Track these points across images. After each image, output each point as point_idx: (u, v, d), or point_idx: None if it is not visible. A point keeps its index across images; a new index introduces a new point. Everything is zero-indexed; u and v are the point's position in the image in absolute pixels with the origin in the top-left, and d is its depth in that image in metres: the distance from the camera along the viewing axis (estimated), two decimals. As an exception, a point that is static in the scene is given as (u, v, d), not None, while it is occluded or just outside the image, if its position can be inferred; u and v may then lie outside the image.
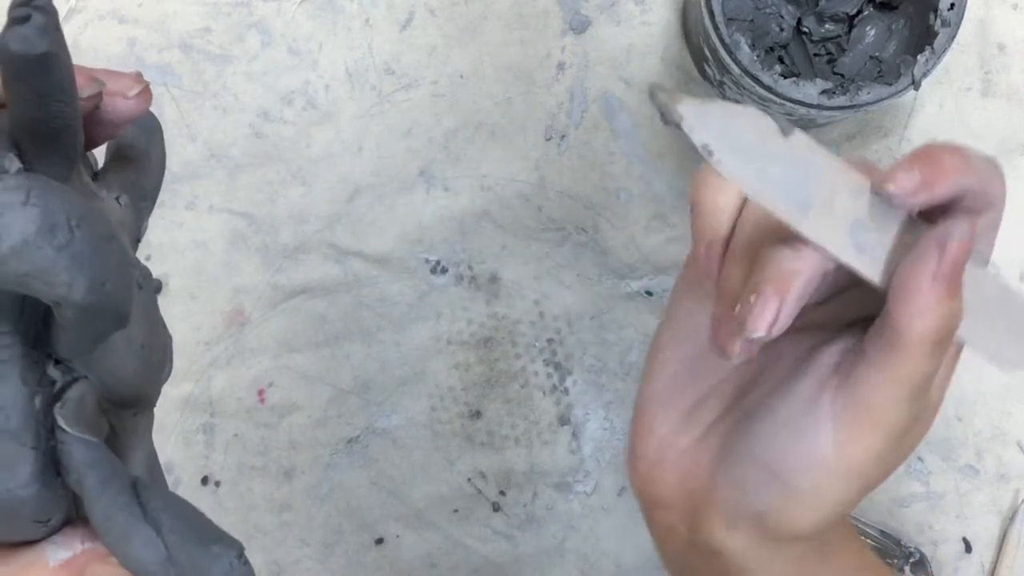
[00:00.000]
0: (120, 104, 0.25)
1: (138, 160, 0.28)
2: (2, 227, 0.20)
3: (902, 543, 0.54)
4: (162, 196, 0.59)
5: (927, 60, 0.49)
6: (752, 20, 0.53)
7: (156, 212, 0.58)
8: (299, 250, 0.57)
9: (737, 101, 0.55)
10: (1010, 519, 0.56)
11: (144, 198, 0.28)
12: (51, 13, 0.21)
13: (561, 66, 0.57)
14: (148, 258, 0.56)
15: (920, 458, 0.56)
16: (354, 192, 0.57)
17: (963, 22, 0.49)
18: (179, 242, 0.56)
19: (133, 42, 0.57)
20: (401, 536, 0.56)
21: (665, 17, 0.57)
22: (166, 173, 0.59)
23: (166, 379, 0.28)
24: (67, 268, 0.20)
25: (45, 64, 0.21)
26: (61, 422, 0.23)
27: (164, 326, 0.28)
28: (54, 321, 0.22)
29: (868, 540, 0.54)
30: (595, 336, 0.56)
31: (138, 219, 0.28)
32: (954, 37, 0.49)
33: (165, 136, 0.60)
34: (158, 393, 0.28)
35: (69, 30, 0.57)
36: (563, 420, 0.56)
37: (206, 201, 0.57)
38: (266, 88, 0.57)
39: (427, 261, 0.56)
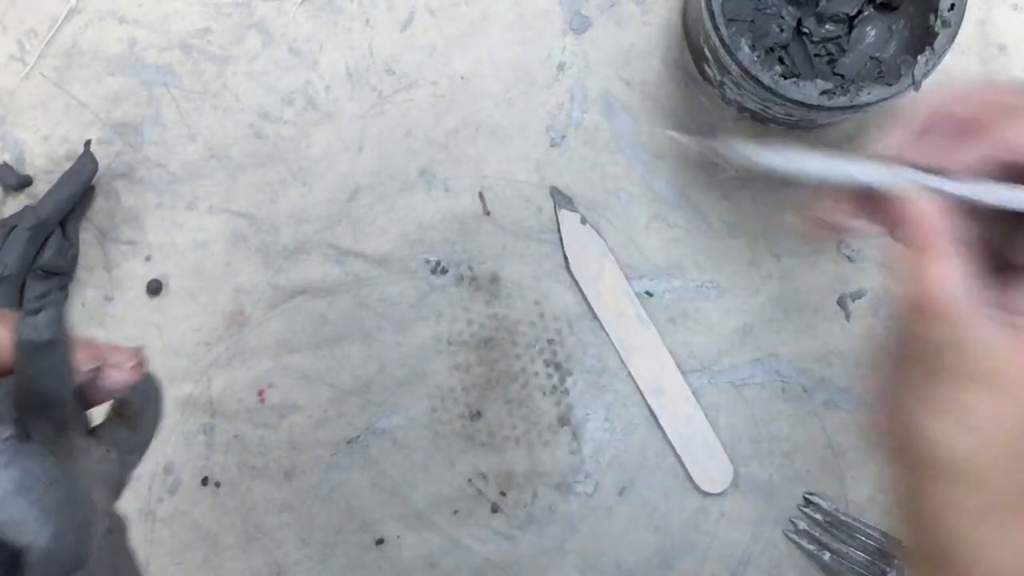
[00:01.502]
0: (115, 375, 0.30)
1: (132, 419, 0.32)
2: None
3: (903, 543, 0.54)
4: (162, 196, 0.59)
5: (927, 61, 0.49)
6: (752, 21, 0.53)
7: (156, 212, 0.59)
8: (299, 250, 0.57)
9: (738, 102, 0.55)
10: (1010, 519, 0.56)
11: (132, 452, 0.32)
12: (59, 310, 0.27)
13: (561, 66, 0.57)
14: (148, 258, 0.56)
15: (920, 458, 0.56)
16: (354, 192, 0.57)
17: (963, 22, 0.49)
18: (179, 242, 0.56)
19: (133, 42, 0.57)
20: (401, 536, 0.56)
21: (665, 17, 0.57)
22: (167, 174, 0.59)
23: None
24: (36, 519, 0.26)
25: (46, 351, 0.27)
26: None
27: (132, 566, 0.32)
28: (23, 562, 0.27)
29: (869, 541, 0.54)
30: (595, 336, 0.56)
31: (123, 471, 0.32)
32: (954, 38, 0.49)
33: (165, 136, 0.60)
34: None
35: (70, 30, 0.57)
36: (563, 421, 0.56)
37: (206, 201, 0.57)
38: (266, 88, 0.57)
39: (427, 261, 0.56)
